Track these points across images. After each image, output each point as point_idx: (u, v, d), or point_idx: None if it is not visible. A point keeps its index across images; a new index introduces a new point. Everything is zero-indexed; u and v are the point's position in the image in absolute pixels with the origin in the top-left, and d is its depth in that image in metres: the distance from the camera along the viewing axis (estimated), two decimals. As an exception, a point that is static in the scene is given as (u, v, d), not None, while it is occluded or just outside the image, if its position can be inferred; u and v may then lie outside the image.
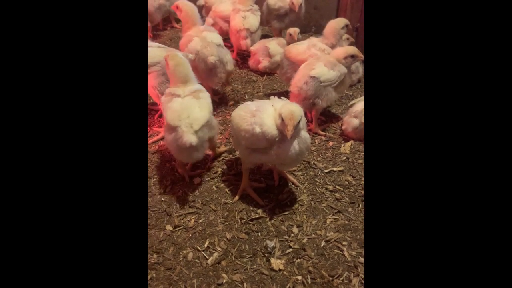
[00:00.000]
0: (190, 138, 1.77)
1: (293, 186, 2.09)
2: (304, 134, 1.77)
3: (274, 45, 3.18)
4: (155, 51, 2.44)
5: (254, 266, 1.66)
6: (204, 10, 3.88)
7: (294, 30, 3.04)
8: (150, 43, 2.54)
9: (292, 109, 1.66)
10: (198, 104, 1.92)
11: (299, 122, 1.65)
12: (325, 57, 2.44)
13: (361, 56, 2.36)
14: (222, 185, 2.11)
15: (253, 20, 3.19)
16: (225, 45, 3.65)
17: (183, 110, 1.87)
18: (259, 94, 2.98)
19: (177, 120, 1.84)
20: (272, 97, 1.93)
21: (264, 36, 3.47)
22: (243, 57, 3.44)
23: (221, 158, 2.31)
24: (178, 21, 4.22)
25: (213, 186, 2.11)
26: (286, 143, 1.71)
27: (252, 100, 2.04)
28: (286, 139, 1.69)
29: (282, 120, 1.63)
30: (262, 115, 1.76)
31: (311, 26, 3.96)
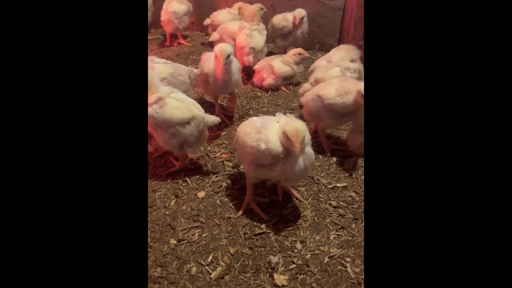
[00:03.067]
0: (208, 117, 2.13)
1: (297, 201, 2.10)
2: (309, 150, 1.80)
3: (279, 63, 3.24)
4: (161, 67, 2.51)
5: (257, 282, 1.66)
6: (210, 29, 3.99)
7: (302, 51, 3.21)
8: (156, 59, 2.61)
9: (296, 125, 1.68)
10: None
11: (303, 138, 1.68)
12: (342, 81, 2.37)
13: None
14: (226, 199, 2.13)
15: (258, 39, 3.26)
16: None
17: (180, 103, 2.10)
18: (264, 109, 3.02)
19: (188, 111, 2.05)
20: (278, 113, 1.96)
21: (269, 53, 3.54)
22: (248, 73, 3.51)
23: (225, 172, 2.34)
24: (185, 37, 4.33)
25: (217, 200, 2.12)
26: (291, 160, 1.74)
27: (257, 116, 2.08)
28: (291, 155, 1.72)
29: (288, 138, 1.66)
30: (267, 131, 1.79)
31: (315, 44, 4.05)
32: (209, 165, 2.37)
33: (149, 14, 4.05)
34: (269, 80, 3.26)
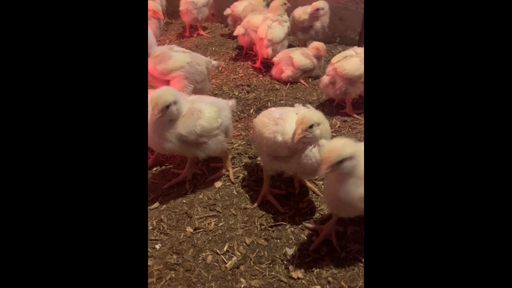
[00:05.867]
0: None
1: (314, 195, 2.08)
2: (325, 142, 1.76)
3: (298, 55, 3.20)
4: (179, 56, 2.51)
5: (273, 273, 1.65)
6: (230, 19, 3.97)
7: (322, 46, 3.15)
8: (175, 47, 2.61)
9: (306, 114, 1.66)
10: None
11: (311, 127, 1.64)
12: None
13: None
14: (243, 190, 2.12)
15: (277, 30, 3.23)
16: (249, 53, 3.74)
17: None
18: (282, 102, 3.00)
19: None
20: (297, 104, 1.93)
21: (289, 46, 3.50)
22: (266, 65, 3.48)
23: (242, 163, 2.33)
24: (204, 28, 4.32)
25: (234, 190, 2.12)
26: (305, 152, 1.71)
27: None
28: (306, 148, 1.69)
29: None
30: (284, 123, 1.77)
31: (336, 37, 3.98)
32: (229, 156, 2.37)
33: (163, 2, 4.02)
34: (288, 72, 3.22)
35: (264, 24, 3.25)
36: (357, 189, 1.44)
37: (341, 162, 1.40)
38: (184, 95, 2.17)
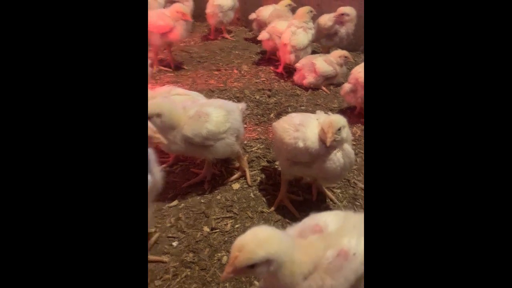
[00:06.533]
0: None
1: (331, 203, 2.07)
2: (348, 147, 1.76)
3: (321, 62, 3.21)
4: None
5: (286, 278, 1.65)
6: (255, 23, 4.01)
7: (345, 53, 3.17)
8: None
9: (332, 117, 1.68)
10: None
11: (339, 130, 1.65)
12: None
13: None
14: (260, 193, 2.14)
15: (302, 37, 3.24)
16: (272, 58, 3.77)
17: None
18: (302, 108, 3.01)
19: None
20: (318, 111, 1.94)
21: (312, 53, 3.51)
22: (288, 70, 3.50)
23: (260, 166, 2.35)
24: (229, 32, 4.39)
25: (251, 193, 2.14)
26: (329, 157, 1.72)
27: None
28: (330, 153, 1.70)
29: (322, 130, 1.66)
30: (305, 129, 1.78)
31: (360, 46, 3.95)
32: (245, 158, 2.40)
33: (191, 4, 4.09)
34: (309, 79, 3.23)
35: (288, 30, 3.27)
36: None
37: (252, 266, 1.04)
38: (198, 99, 2.20)
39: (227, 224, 1.94)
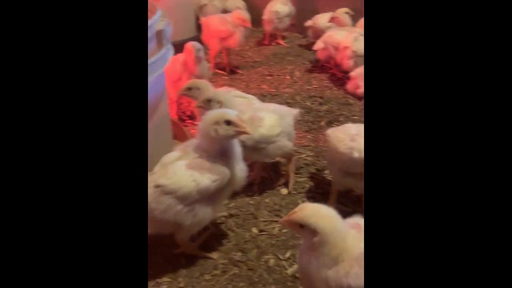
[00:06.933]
0: None
1: (381, 217, 2.03)
2: None
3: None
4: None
5: None
6: (310, 30, 4.02)
7: None
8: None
9: None
10: None
11: None
12: None
13: None
14: (308, 201, 2.15)
15: (363, 44, 3.20)
16: (325, 66, 3.75)
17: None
18: (355, 118, 2.96)
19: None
20: None
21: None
22: (339, 78, 3.47)
23: (309, 174, 2.36)
24: (283, 38, 4.44)
25: (299, 200, 2.16)
26: None
27: (347, 123, 2.07)
28: None
29: None
30: (362, 140, 1.77)
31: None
32: (293, 163, 2.42)
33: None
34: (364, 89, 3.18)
35: (351, 35, 3.23)
36: (320, 268, 1.21)
37: (302, 226, 1.22)
38: (253, 102, 2.25)
39: (275, 227, 1.97)
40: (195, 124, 2.77)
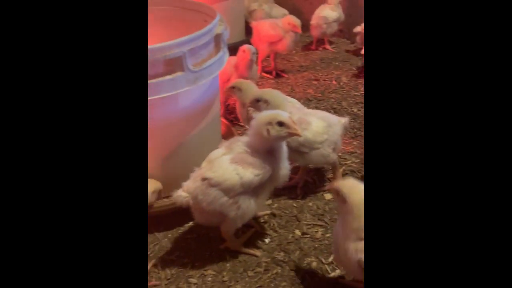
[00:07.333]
0: None
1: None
2: None
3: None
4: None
5: (376, 297, 1.63)
6: (359, 37, 3.97)
7: None
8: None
9: None
10: None
11: None
12: None
13: None
14: (352, 207, 2.13)
15: None
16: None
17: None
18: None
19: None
20: None
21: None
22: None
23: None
24: (330, 43, 4.42)
25: (343, 206, 2.15)
26: None
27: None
28: None
29: None
30: None
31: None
32: (340, 171, 2.41)
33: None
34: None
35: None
36: (344, 238, 1.39)
37: (338, 193, 1.41)
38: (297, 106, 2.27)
39: (318, 231, 1.98)
40: (239, 125, 2.85)
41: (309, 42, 4.47)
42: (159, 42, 1.69)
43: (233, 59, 2.80)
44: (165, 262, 1.84)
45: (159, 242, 1.96)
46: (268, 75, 3.70)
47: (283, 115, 1.60)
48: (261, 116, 1.63)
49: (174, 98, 1.75)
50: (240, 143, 1.69)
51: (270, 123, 1.58)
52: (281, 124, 1.57)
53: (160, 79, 1.64)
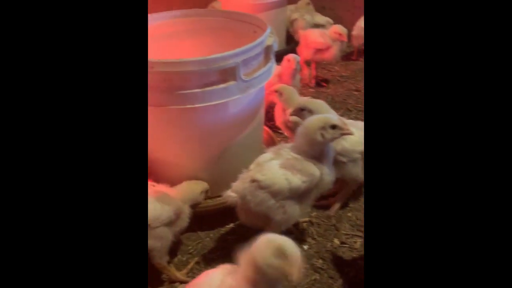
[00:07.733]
0: None
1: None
2: None
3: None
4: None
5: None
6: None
7: None
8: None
9: None
10: None
11: None
12: None
13: None
14: (391, 221, 2.13)
15: None
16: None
17: None
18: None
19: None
20: None
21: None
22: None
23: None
24: (371, 54, 4.40)
25: (382, 218, 2.15)
26: None
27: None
28: None
29: None
30: None
31: None
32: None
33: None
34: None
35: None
36: None
37: None
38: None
39: (357, 242, 2.00)
40: (278, 132, 2.92)
41: (349, 52, 4.47)
42: (208, 50, 1.80)
43: (277, 68, 2.88)
44: (206, 260, 1.94)
45: (201, 241, 2.06)
46: (308, 84, 3.75)
47: (334, 118, 1.69)
48: (312, 122, 1.70)
49: (225, 105, 1.85)
50: (287, 149, 1.76)
51: (323, 128, 1.66)
52: (333, 127, 1.65)
53: (215, 87, 1.75)
